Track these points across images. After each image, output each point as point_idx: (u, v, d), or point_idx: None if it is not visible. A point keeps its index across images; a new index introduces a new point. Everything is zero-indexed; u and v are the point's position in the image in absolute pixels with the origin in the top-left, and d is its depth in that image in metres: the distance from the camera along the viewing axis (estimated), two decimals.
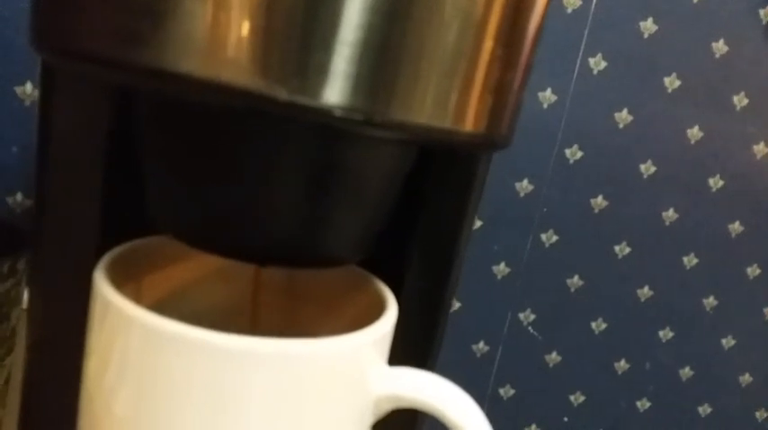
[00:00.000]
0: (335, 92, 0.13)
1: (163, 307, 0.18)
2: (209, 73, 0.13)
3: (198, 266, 0.25)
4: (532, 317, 0.57)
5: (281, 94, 0.13)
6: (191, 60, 0.13)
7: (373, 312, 0.22)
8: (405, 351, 0.24)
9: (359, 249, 0.21)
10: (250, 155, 0.17)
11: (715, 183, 0.58)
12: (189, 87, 0.13)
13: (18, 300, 0.35)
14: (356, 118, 0.14)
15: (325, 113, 0.13)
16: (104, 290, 0.18)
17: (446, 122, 0.15)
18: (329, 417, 0.19)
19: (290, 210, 0.19)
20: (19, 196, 0.43)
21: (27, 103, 0.41)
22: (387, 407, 0.20)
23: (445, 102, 0.15)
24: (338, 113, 0.14)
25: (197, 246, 0.20)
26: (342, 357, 0.19)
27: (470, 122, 0.16)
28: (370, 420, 0.21)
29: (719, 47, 0.54)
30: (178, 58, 0.13)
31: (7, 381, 0.37)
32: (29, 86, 0.41)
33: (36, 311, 0.24)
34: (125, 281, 0.20)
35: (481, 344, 0.57)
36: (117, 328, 0.18)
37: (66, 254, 0.22)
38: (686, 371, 0.62)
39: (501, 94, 0.16)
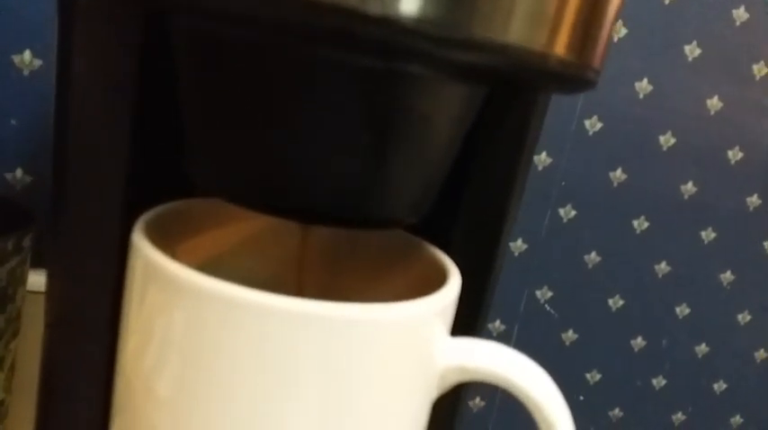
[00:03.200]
0: (433, 6, 0.11)
1: None
2: None
3: (234, 234, 0.23)
4: (549, 294, 0.56)
5: (374, 7, 0.11)
6: None
7: (427, 282, 0.20)
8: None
9: (416, 209, 0.19)
10: (305, 94, 0.15)
11: (734, 155, 0.56)
12: (268, 3, 0.11)
13: (23, 279, 0.34)
14: (457, 36, 0.12)
15: (420, 28, 0.11)
16: (148, 251, 0.16)
17: (537, 44, 0.13)
18: (394, 387, 0.17)
19: (347, 160, 0.17)
20: (19, 172, 0.40)
21: (26, 72, 0.39)
22: (452, 380, 0.19)
23: (539, 20, 0.13)
24: (434, 31, 0.12)
25: (238, 202, 0.18)
26: (408, 324, 0.17)
27: (562, 46, 0.14)
28: (435, 393, 0.19)
29: (740, 14, 0.53)
30: None
31: (13, 366, 0.35)
32: (27, 55, 0.39)
33: (56, 286, 0.22)
34: (159, 247, 0.18)
35: (498, 323, 0.55)
36: (163, 293, 0.16)
37: (90, 222, 0.20)
38: (702, 348, 0.61)
39: (594, 19, 0.14)
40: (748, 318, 0.62)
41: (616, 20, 0.16)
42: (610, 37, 0.16)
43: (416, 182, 0.18)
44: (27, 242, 0.33)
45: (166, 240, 0.19)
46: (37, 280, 0.35)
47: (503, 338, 0.56)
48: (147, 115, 0.20)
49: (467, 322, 0.25)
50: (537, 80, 0.16)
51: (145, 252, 0.16)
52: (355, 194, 0.17)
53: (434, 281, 0.20)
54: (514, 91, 0.20)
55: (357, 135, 0.16)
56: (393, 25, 0.11)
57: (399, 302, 0.17)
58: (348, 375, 0.16)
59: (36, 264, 0.34)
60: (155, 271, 0.16)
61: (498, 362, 0.19)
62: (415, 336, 0.17)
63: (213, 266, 0.22)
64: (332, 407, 0.16)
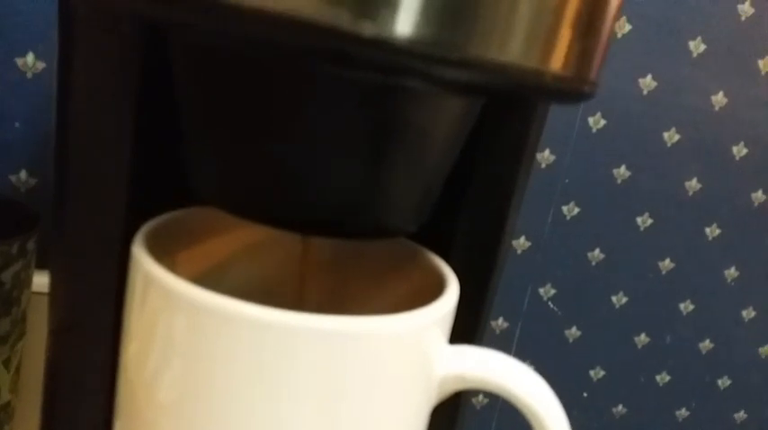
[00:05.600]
0: (426, 26, 0.11)
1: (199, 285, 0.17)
2: (282, 6, 0.11)
3: (235, 242, 0.23)
4: (552, 292, 0.56)
5: (367, 29, 0.11)
6: None
7: (427, 288, 0.20)
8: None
9: (416, 218, 0.19)
10: (303, 108, 0.16)
11: (739, 151, 0.56)
12: (258, 24, 0.11)
13: (28, 282, 0.34)
14: (451, 56, 0.12)
15: (413, 48, 0.11)
16: (147, 264, 0.16)
17: (533, 61, 0.13)
18: (392, 399, 0.18)
19: (346, 172, 0.17)
20: (23, 174, 0.41)
21: (29, 75, 0.39)
22: (451, 388, 0.19)
23: (534, 37, 0.13)
24: (427, 51, 0.12)
25: (238, 213, 0.18)
26: (406, 336, 0.17)
27: (558, 63, 0.14)
28: (434, 401, 0.19)
29: (745, 9, 0.52)
30: None
31: (18, 368, 0.35)
32: (30, 57, 0.39)
33: (58, 293, 0.22)
34: (159, 256, 0.18)
35: (500, 321, 0.55)
36: (162, 306, 0.16)
37: (92, 228, 0.21)
38: (706, 344, 0.61)
39: (590, 34, 0.14)
40: (753, 314, 0.62)
41: (611, 33, 0.15)
42: (606, 49, 0.16)
43: (415, 192, 0.18)
44: (31, 245, 0.33)
45: (168, 248, 0.20)
46: (42, 281, 0.35)
47: (506, 336, 0.56)
48: (148, 124, 0.20)
49: (468, 325, 0.25)
50: (532, 96, 0.16)
51: (144, 265, 0.16)
52: (354, 206, 0.17)
53: (435, 287, 0.20)
54: (512, 101, 0.20)
55: (355, 148, 0.16)
56: (387, 46, 0.11)
57: (397, 314, 0.17)
58: (345, 386, 0.16)
59: (41, 265, 0.34)
60: (154, 284, 0.16)
61: (497, 371, 0.19)
62: (413, 347, 0.18)
63: (215, 274, 0.22)
64: (330, 418, 0.17)
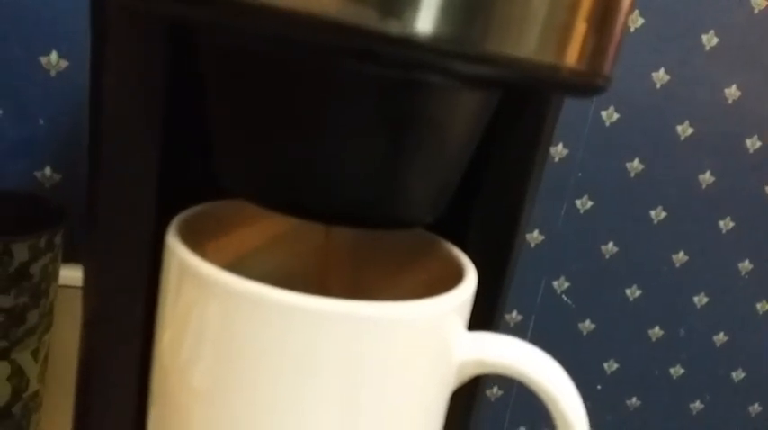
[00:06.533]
0: (447, 24, 0.12)
1: None
2: (311, 7, 0.12)
3: (261, 233, 0.24)
4: (566, 285, 0.56)
5: (393, 27, 0.12)
6: None
7: (445, 277, 0.21)
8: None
9: (434, 209, 0.20)
10: (328, 103, 0.16)
11: (752, 143, 0.56)
12: (288, 25, 0.12)
13: (55, 274, 0.35)
14: (471, 51, 0.12)
15: (436, 46, 0.12)
16: (182, 253, 0.17)
17: (549, 57, 0.14)
18: (413, 382, 0.18)
19: (368, 165, 0.18)
20: (48, 170, 0.42)
21: (53, 73, 0.40)
22: (470, 373, 0.20)
23: (549, 33, 0.14)
24: (449, 48, 0.12)
25: (265, 204, 0.19)
26: (427, 322, 0.18)
27: (573, 58, 0.14)
28: (452, 385, 0.20)
29: (757, 1, 0.52)
30: None
31: (46, 358, 0.36)
32: (54, 56, 0.40)
33: (91, 286, 0.23)
34: (191, 247, 0.19)
35: (514, 314, 0.56)
36: (197, 293, 0.17)
37: (123, 224, 0.21)
38: (720, 337, 0.61)
39: (604, 29, 0.15)
40: (767, 306, 0.62)
41: (625, 27, 0.16)
42: (620, 43, 0.16)
43: (433, 184, 0.19)
44: (58, 239, 0.34)
45: (198, 239, 0.20)
46: (68, 274, 0.36)
47: (520, 329, 0.56)
48: (177, 120, 0.21)
49: (484, 315, 0.26)
50: (548, 89, 0.17)
51: (179, 253, 0.17)
52: (375, 197, 0.18)
53: (452, 276, 0.21)
54: (527, 96, 0.21)
55: (377, 142, 0.17)
56: (412, 44, 0.12)
57: (418, 300, 0.18)
58: (368, 370, 0.17)
59: (67, 259, 0.35)
60: (188, 271, 0.17)
61: (514, 355, 0.19)
62: (433, 332, 0.18)
63: (242, 263, 0.23)
64: (352, 400, 0.17)
